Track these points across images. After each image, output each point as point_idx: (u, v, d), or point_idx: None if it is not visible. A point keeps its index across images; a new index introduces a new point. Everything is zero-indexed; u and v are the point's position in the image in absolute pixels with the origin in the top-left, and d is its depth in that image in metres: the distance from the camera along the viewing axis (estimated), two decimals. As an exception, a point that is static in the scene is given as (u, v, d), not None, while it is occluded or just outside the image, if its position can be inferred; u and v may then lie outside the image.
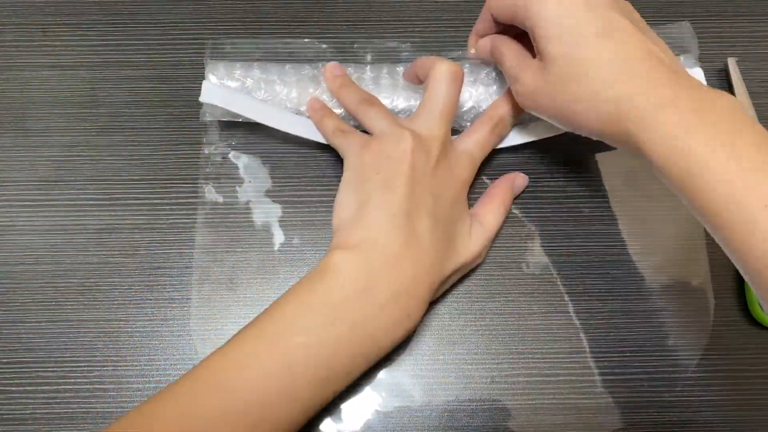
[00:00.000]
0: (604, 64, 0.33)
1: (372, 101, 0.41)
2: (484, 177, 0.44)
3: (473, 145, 0.41)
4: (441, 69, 0.38)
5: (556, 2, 0.34)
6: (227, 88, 0.43)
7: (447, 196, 0.38)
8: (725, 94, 0.32)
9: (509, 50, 0.38)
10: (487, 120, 0.41)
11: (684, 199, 0.31)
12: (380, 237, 0.35)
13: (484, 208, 0.41)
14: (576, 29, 0.33)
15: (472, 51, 0.42)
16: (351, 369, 0.35)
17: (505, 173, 0.44)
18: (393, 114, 0.40)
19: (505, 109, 0.41)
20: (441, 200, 0.38)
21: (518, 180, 0.43)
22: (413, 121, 0.39)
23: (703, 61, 0.44)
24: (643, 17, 0.36)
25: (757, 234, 0.28)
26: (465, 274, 0.42)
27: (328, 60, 0.44)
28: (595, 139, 0.35)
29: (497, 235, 0.42)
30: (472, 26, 0.42)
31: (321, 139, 0.43)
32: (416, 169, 0.37)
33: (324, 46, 0.46)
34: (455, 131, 0.44)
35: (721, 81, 0.46)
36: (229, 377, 0.33)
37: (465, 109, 0.43)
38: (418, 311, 0.37)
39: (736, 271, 0.42)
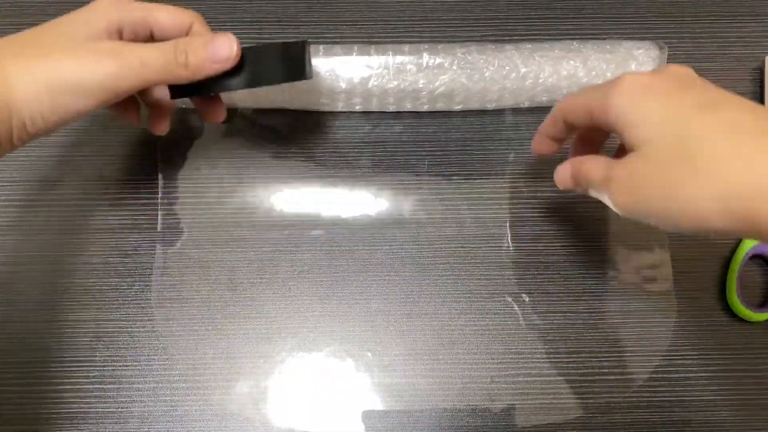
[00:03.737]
0: (712, 136, 0.28)
1: None
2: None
3: None
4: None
5: (634, 86, 0.31)
6: None
7: None
8: None
9: (593, 161, 0.33)
10: None
11: None
12: None
13: None
14: (671, 105, 0.30)
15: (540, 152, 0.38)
16: None
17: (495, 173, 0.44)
18: None
19: None
20: None
21: None
22: None
23: (738, 59, 0.45)
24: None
25: None
26: (464, 273, 0.42)
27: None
28: (701, 229, 0.29)
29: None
30: (473, 25, 0.42)
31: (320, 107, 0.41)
32: None
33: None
34: (415, 113, 0.44)
35: (755, 79, 0.46)
36: None
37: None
38: None
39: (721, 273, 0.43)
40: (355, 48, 0.41)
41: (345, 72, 0.41)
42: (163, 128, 0.39)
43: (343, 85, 0.41)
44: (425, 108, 0.43)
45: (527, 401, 0.40)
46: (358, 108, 0.43)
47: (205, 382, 0.41)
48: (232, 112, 0.44)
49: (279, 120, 0.45)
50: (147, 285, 0.42)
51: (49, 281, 0.42)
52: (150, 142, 0.44)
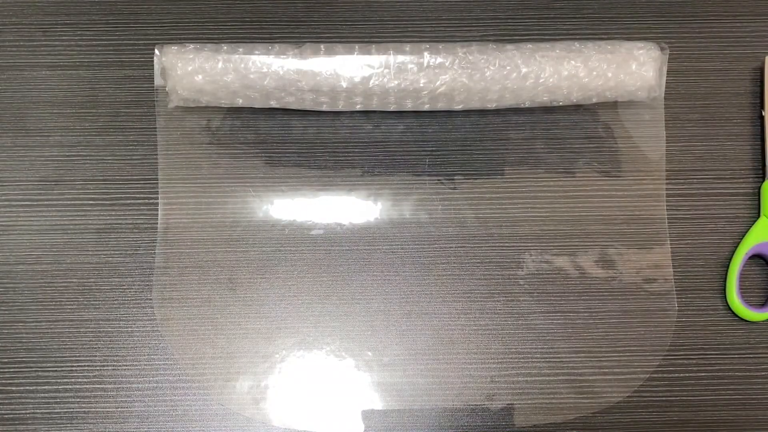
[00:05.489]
0: None
1: None
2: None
3: None
4: None
5: None
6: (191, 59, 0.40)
7: None
8: None
9: None
10: None
11: None
12: None
13: None
14: None
15: None
16: None
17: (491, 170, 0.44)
18: None
19: None
20: None
21: None
22: None
23: (738, 59, 0.45)
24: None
25: None
26: (464, 273, 0.42)
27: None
28: None
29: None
30: (473, 25, 0.41)
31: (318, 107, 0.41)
32: None
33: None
34: (416, 113, 0.44)
35: (755, 79, 0.46)
36: None
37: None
38: None
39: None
40: (356, 47, 0.41)
41: (346, 71, 0.41)
42: None
43: (344, 84, 0.41)
44: (426, 107, 0.43)
45: (527, 401, 0.41)
46: (358, 107, 0.43)
47: (205, 382, 0.41)
48: (233, 112, 0.44)
49: (279, 119, 0.45)
50: (147, 285, 0.42)
51: (49, 281, 0.42)
52: (150, 142, 0.44)
